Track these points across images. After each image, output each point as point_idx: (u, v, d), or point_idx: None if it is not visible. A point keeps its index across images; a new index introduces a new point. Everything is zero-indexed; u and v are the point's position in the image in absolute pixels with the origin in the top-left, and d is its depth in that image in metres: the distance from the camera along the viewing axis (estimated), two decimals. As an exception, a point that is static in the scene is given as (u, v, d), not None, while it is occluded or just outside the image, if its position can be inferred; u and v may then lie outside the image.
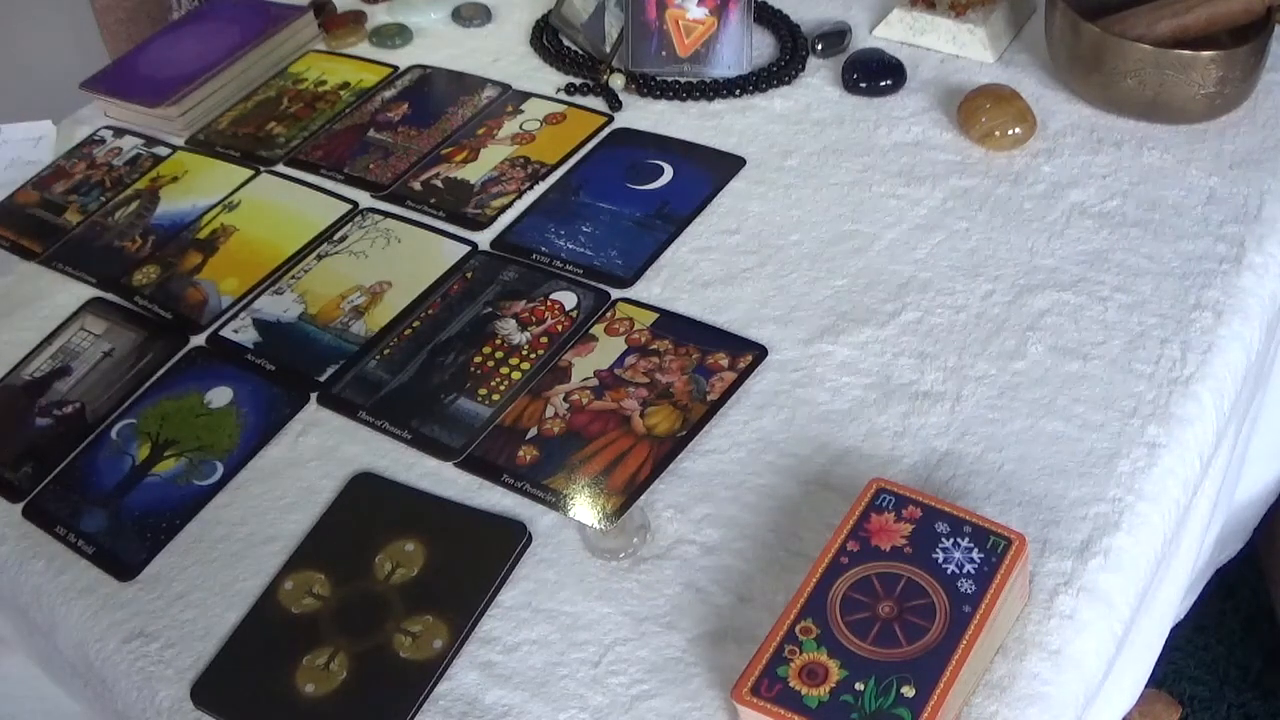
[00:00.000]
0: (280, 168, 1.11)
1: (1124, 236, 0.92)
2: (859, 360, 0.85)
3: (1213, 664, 1.44)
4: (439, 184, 1.06)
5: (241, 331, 0.95)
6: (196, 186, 1.11)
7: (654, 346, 0.88)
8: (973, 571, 0.66)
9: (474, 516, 0.79)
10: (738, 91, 1.11)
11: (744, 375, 0.85)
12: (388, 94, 1.18)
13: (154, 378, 0.92)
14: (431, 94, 1.18)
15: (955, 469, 0.77)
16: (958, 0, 1.12)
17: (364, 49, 1.26)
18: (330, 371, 0.90)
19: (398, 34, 1.26)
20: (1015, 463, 0.77)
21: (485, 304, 0.93)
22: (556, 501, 0.79)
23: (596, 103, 1.13)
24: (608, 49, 1.16)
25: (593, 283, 0.94)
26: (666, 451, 0.80)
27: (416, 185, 1.07)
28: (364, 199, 1.06)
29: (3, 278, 1.05)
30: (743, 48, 1.13)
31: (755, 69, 1.13)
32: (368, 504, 0.81)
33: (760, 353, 0.86)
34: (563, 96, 1.15)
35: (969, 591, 0.65)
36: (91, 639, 0.77)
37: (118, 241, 1.06)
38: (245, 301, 0.97)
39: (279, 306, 0.96)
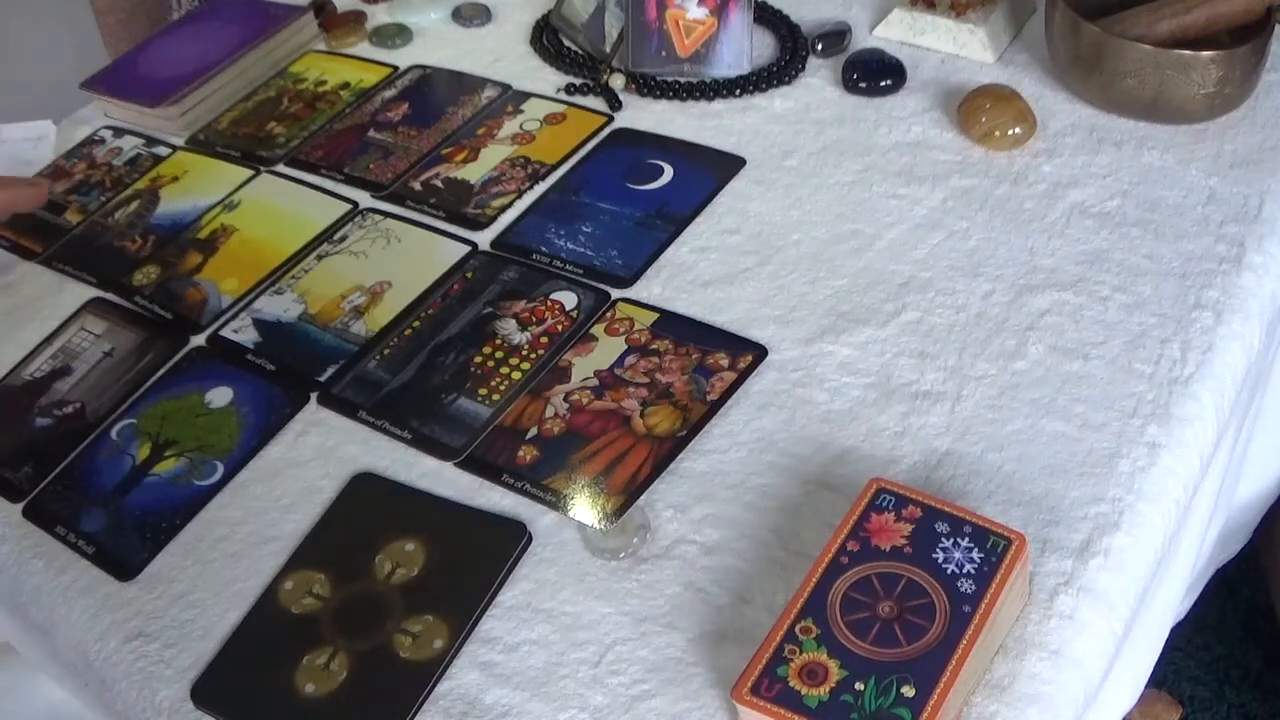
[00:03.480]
0: (280, 168, 1.11)
1: (1124, 236, 0.92)
2: (859, 360, 0.85)
3: (1213, 664, 1.44)
4: (439, 184, 1.06)
5: (242, 331, 0.95)
6: (196, 186, 1.11)
7: (654, 346, 0.88)
8: (973, 571, 0.66)
9: (474, 516, 0.79)
10: (738, 91, 1.11)
11: (744, 375, 0.85)
12: (388, 94, 1.18)
13: (154, 378, 0.92)
14: (431, 94, 1.18)
15: (955, 469, 0.77)
16: (958, 0, 1.12)
17: (364, 49, 1.26)
18: (330, 371, 0.90)
19: (398, 34, 1.26)
20: (1015, 463, 0.77)
21: (485, 304, 0.93)
22: (556, 501, 0.79)
23: (596, 103, 1.13)
24: (608, 49, 1.16)
25: (593, 283, 0.94)
26: (666, 451, 0.80)
27: (416, 185, 1.07)
28: (364, 199, 1.06)
29: (3, 277, 1.05)
30: (743, 48, 1.13)
31: (755, 69, 1.13)
32: (368, 504, 0.81)
33: (760, 353, 0.86)
34: (563, 96, 1.15)
35: (969, 591, 0.65)
36: (91, 639, 0.77)
37: (118, 241, 1.06)
38: (245, 301, 0.97)
39: (279, 306, 0.96)
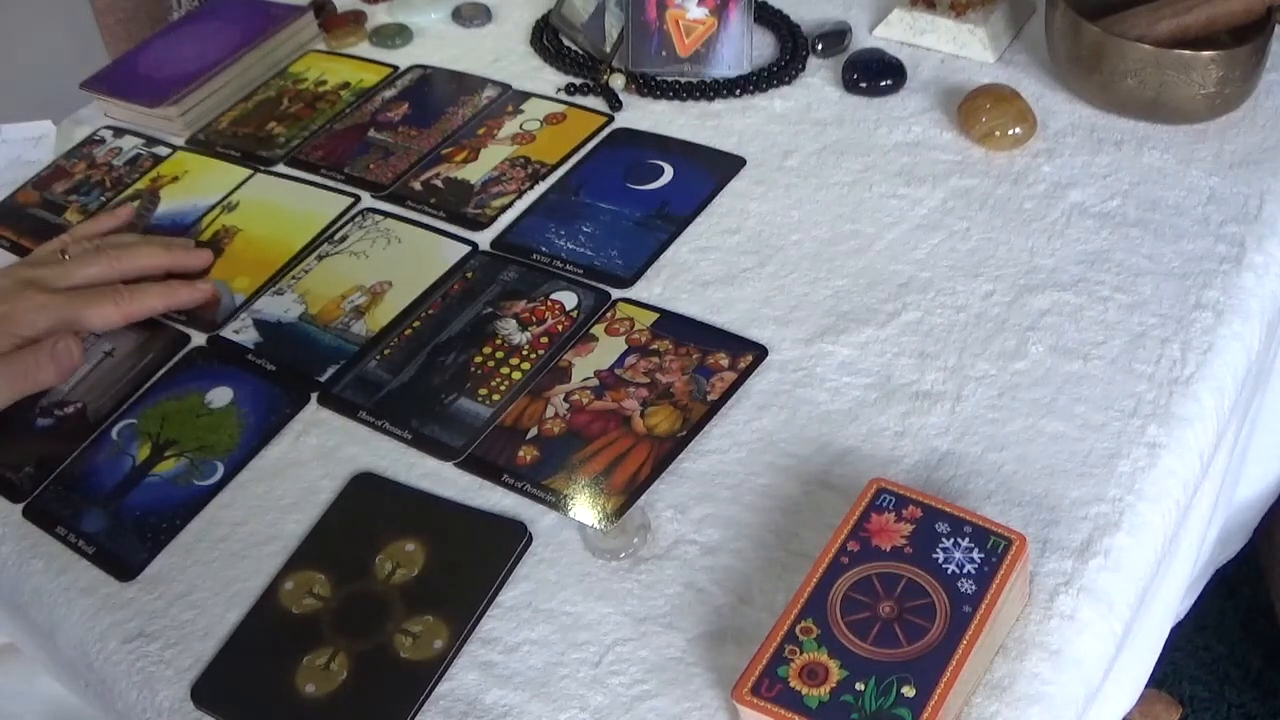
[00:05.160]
0: (280, 168, 1.11)
1: (1124, 236, 0.92)
2: (859, 360, 0.85)
3: (1213, 664, 1.45)
4: (439, 184, 1.06)
5: (242, 332, 0.95)
6: (196, 186, 1.11)
7: (654, 346, 0.88)
8: (973, 571, 0.66)
9: (474, 516, 0.79)
10: (738, 91, 1.11)
11: (744, 375, 0.85)
12: (388, 94, 1.18)
13: (154, 378, 0.92)
14: (431, 94, 1.18)
15: (955, 469, 0.77)
16: (958, 0, 1.12)
17: (364, 49, 1.26)
18: (331, 371, 0.90)
19: (398, 34, 1.26)
20: (1015, 463, 0.77)
21: (485, 304, 0.94)
22: (556, 501, 0.79)
23: (596, 103, 1.13)
24: (608, 49, 1.16)
25: (593, 283, 0.94)
26: (666, 451, 0.80)
27: (417, 185, 1.07)
28: (364, 198, 1.06)
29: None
30: (743, 48, 1.13)
31: (755, 69, 1.13)
32: (368, 504, 0.81)
33: (760, 353, 0.86)
34: (563, 96, 1.15)
35: (969, 591, 0.65)
36: (91, 639, 0.77)
37: (118, 241, 1.06)
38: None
39: (279, 307, 0.96)
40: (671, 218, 0.99)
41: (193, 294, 0.96)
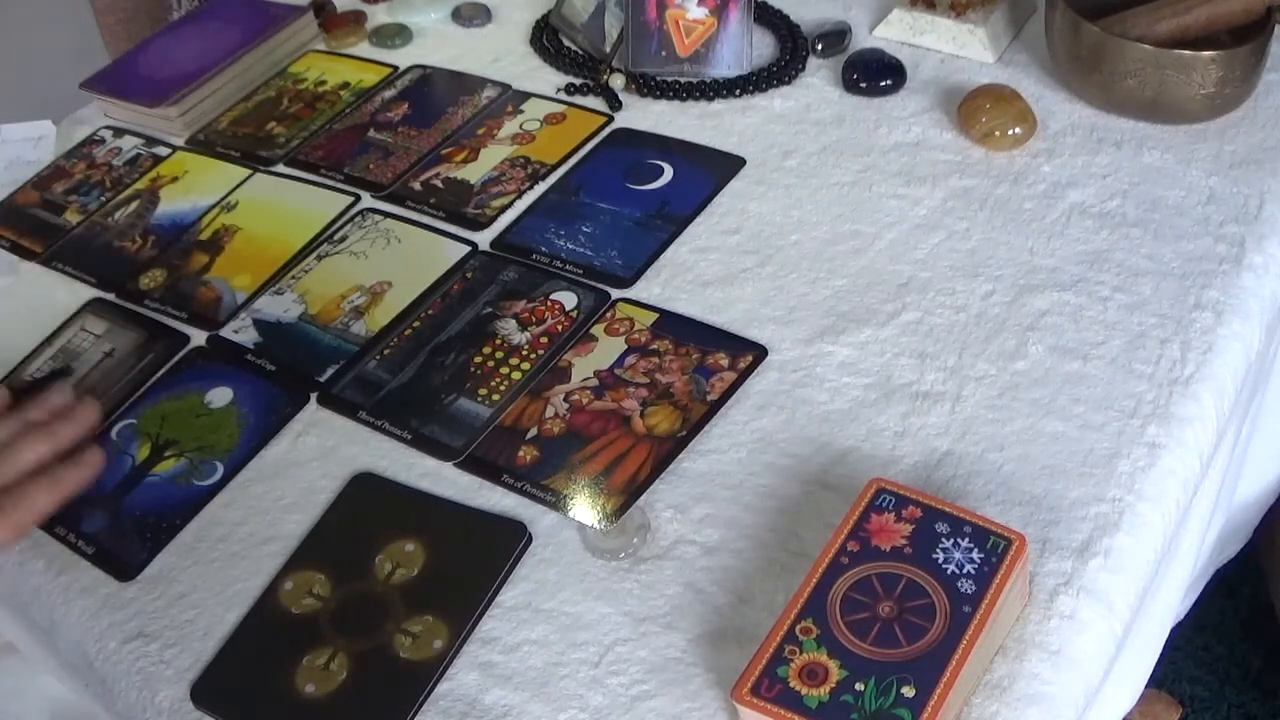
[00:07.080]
0: (280, 168, 1.11)
1: (1124, 236, 0.92)
2: (859, 360, 0.85)
3: (1213, 664, 1.45)
4: (439, 184, 1.06)
5: (242, 332, 0.95)
6: (196, 186, 1.11)
7: (654, 346, 0.88)
8: (973, 572, 0.66)
9: (474, 516, 0.79)
10: (738, 91, 1.11)
11: (744, 375, 0.85)
12: (388, 94, 1.18)
13: (154, 378, 0.92)
14: (431, 94, 1.18)
15: (955, 469, 0.77)
16: (958, 0, 1.12)
17: (364, 49, 1.26)
18: (330, 371, 0.90)
19: (398, 34, 1.26)
20: (1015, 463, 0.77)
21: (485, 304, 0.94)
22: (556, 501, 0.79)
23: (596, 103, 1.13)
24: (608, 49, 1.16)
25: (593, 283, 0.94)
26: (666, 451, 0.80)
27: (416, 185, 1.07)
28: (364, 198, 1.06)
29: (3, 278, 1.05)
30: (743, 48, 1.13)
31: (755, 69, 1.13)
32: (368, 504, 0.81)
33: (760, 353, 0.86)
34: (563, 96, 1.15)
35: (969, 591, 0.65)
36: (91, 639, 0.77)
37: (118, 241, 1.06)
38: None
39: (279, 307, 0.96)
40: (671, 218, 0.99)
41: (80, 476, 0.82)
